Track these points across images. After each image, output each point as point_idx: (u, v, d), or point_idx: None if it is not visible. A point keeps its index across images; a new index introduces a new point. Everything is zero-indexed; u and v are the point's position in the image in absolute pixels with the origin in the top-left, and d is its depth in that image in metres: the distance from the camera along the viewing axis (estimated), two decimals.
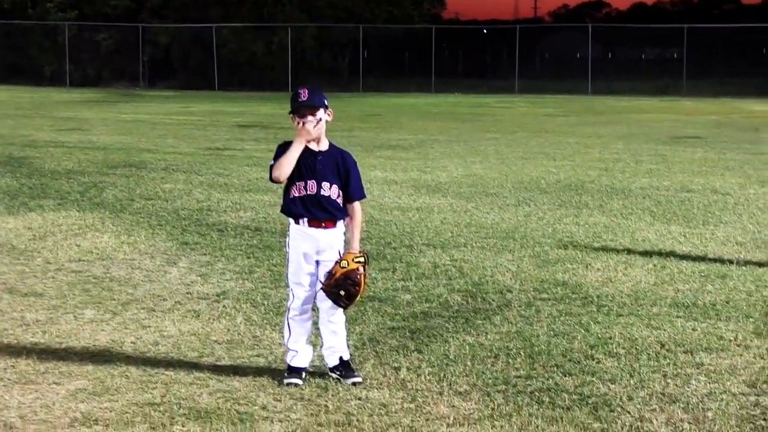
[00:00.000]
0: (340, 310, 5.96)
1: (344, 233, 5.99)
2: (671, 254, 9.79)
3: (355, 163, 6.04)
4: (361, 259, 5.89)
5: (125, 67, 56.12)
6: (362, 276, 5.87)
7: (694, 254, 9.81)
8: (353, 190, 5.96)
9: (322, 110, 5.86)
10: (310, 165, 5.87)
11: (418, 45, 58.09)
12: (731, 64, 54.54)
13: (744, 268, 9.18)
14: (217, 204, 12.75)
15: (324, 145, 5.95)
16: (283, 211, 6.03)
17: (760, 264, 9.37)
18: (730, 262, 9.43)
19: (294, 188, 5.89)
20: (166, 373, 6.02)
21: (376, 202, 12.93)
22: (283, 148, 5.90)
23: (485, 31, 68.44)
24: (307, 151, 5.89)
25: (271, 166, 5.89)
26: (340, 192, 5.92)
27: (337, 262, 5.88)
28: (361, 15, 57.49)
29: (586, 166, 17.86)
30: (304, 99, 5.83)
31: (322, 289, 5.87)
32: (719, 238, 10.71)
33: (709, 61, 53.22)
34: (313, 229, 5.87)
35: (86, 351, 6.47)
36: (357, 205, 6.00)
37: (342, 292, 5.83)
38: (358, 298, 5.92)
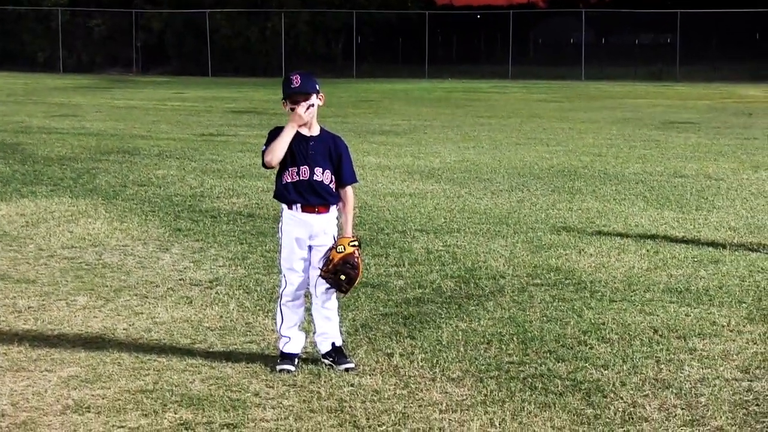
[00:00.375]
0: (334, 295, 5.96)
1: (337, 218, 5.99)
2: (664, 239, 9.80)
3: (347, 147, 6.03)
4: (356, 243, 5.90)
5: (119, 53, 55.97)
6: (359, 259, 5.88)
7: (687, 239, 9.82)
8: (345, 175, 5.95)
9: (314, 96, 5.85)
10: (302, 150, 5.86)
11: (411, 31, 57.98)
12: (724, 49, 54.47)
13: (737, 253, 9.19)
14: (210, 190, 12.72)
15: (316, 130, 5.94)
16: (275, 196, 6.01)
17: (752, 249, 9.38)
18: (723, 247, 9.44)
19: (286, 174, 5.88)
20: (159, 359, 6.00)
21: (369, 187, 12.91)
22: (275, 132, 5.89)
23: (479, 16, 68.29)
24: (298, 136, 5.88)
25: (264, 152, 5.87)
26: (333, 177, 5.91)
27: (332, 247, 5.87)
28: (354, 1, 57.37)
29: (579, 151, 17.85)
30: (297, 85, 5.81)
31: (321, 276, 5.86)
32: (712, 224, 10.72)
33: (703, 46, 53.18)
34: (306, 215, 5.86)
35: (78, 338, 6.46)
36: (349, 190, 5.99)
37: (342, 277, 5.83)
38: (357, 281, 5.92)
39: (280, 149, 5.81)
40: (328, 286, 5.90)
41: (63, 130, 20.93)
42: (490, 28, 63.67)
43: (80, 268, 8.39)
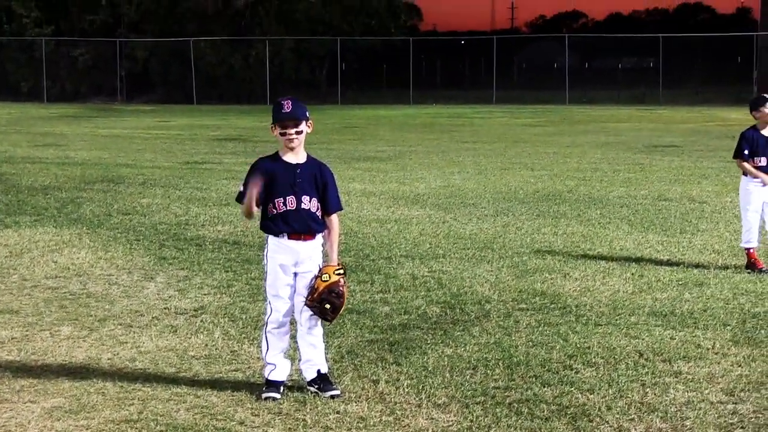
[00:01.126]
0: (319, 322, 5.95)
1: (322, 245, 5.99)
2: (649, 263, 9.84)
3: (332, 175, 6.03)
4: (341, 271, 5.89)
5: (103, 82, 55.97)
6: (344, 287, 5.88)
7: (671, 263, 9.86)
8: (330, 203, 5.96)
9: (303, 123, 5.88)
10: (289, 179, 5.86)
11: (395, 57, 58.23)
12: (707, 73, 54.95)
13: (721, 275, 9.24)
14: (195, 218, 12.71)
15: (302, 158, 5.94)
16: (262, 228, 6.00)
17: (737, 271, 9.42)
18: (708, 269, 9.49)
19: (272, 207, 5.87)
20: (144, 389, 5.97)
21: (355, 214, 12.92)
22: (256, 167, 5.88)
23: (462, 42, 68.68)
24: (284, 164, 5.89)
25: (241, 193, 5.88)
26: (319, 205, 5.92)
27: (316, 276, 5.87)
28: (338, 27, 57.63)
29: (564, 175, 17.93)
30: (288, 110, 5.83)
31: (306, 305, 5.86)
32: (696, 247, 10.76)
33: (685, 70, 53.60)
34: (292, 242, 5.86)
35: (62, 368, 6.42)
36: (335, 218, 6.00)
37: (327, 306, 5.82)
38: (342, 309, 5.92)
39: (248, 214, 5.91)
40: (312, 314, 5.89)
41: (47, 160, 20.90)
42: (474, 53, 64.06)
43: (64, 298, 8.35)
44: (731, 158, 10.20)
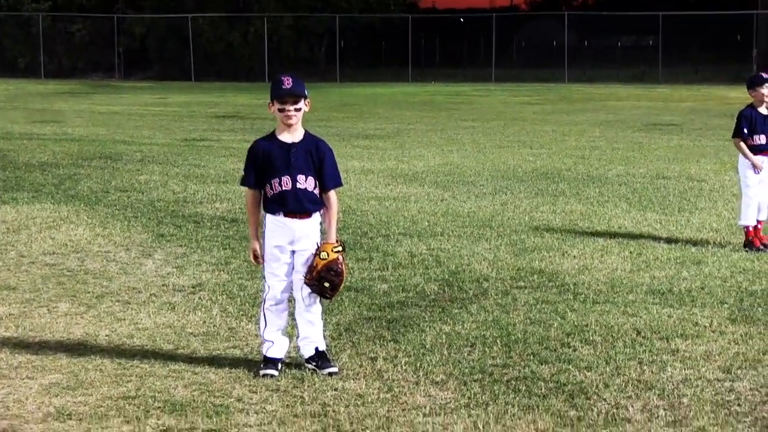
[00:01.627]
0: (318, 300, 5.95)
1: (320, 223, 5.97)
2: (647, 241, 9.84)
3: (331, 150, 6.00)
4: (339, 249, 5.88)
5: (100, 59, 55.70)
6: (343, 264, 5.87)
7: (669, 241, 9.86)
8: (327, 179, 5.93)
9: (302, 101, 5.86)
10: (283, 159, 5.84)
11: (394, 34, 57.95)
12: (706, 51, 54.69)
13: (719, 254, 9.25)
14: (193, 195, 12.69)
15: (299, 136, 5.92)
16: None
17: (734, 250, 9.43)
18: (706, 248, 9.50)
19: (269, 188, 5.87)
20: (141, 366, 5.99)
21: (353, 191, 12.91)
22: (253, 151, 5.91)
23: (462, 20, 68.42)
24: (279, 143, 5.88)
25: (244, 177, 5.98)
26: (316, 182, 5.89)
27: (315, 254, 5.86)
28: (337, 4, 57.29)
29: (562, 154, 17.92)
30: (288, 86, 5.81)
31: (306, 283, 5.86)
32: (695, 225, 10.77)
33: (685, 49, 53.34)
34: (288, 219, 5.86)
35: (60, 345, 6.43)
36: (332, 194, 5.97)
37: (326, 284, 5.83)
38: (341, 287, 5.92)
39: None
40: (311, 291, 5.89)
41: (44, 136, 20.85)
42: (473, 31, 63.77)
43: (62, 275, 8.35)
44: (730, 137, 10.18)
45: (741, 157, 9.77)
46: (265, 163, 5.86)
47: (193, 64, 53.38)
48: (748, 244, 9.51)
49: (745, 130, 9.64)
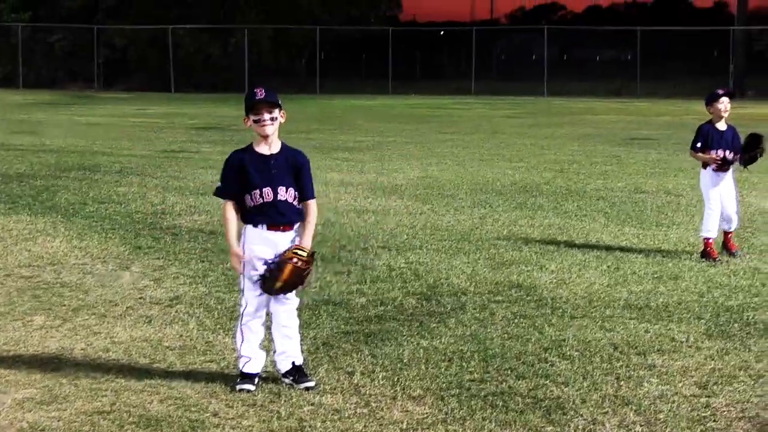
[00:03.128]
0: (294, 314, 5.95)
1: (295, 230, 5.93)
2: (625, 255, 9.90)
3: (308, 161, 5.99)
4: (302, 253, 5.76)
5: (80, 69, 55.55)
6: (292, 266, 5.71)
7: (647, 255, 9.92)
8: (305, 190, 5.92)
9: (277, 110, 5.85)
10: (264, 171, 5.84)
11: (375, 47, 58.18)
12: (684, 66, 55.20)
13: (696, 269, 9.31)
14: (171, 207, 12.67)
15: (276, 147, 5.92)
16: (241, 219, 5.98)
17: (711, 265, 9.50)
18: (683, 263, 9.57)
19: (249, 199, 5.84)
20: (117, 380, 5.96)
21: (332, 204, 12.90)
22: (230, 162, 5.89)
23: (442, 32, 68.70)
24: (258, 155, 5.87)
25: (218, 188, 5.92)
26: (296, 194, 5.89)
27: (284, 251, 5.79)
28: (318, 17, 57.46)
29: (541, 167, 18.01)
30: (262, 96, 5.80)
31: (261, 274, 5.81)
32: (672, 240, 10.83)
33: (663, 63, 53.82)
34: (271, 233, 5.84)
35: (35, 358, 6.39)
36: (311, 204, 5.96)
37: (267, 275, 5.74)
38: (277, 284, 5.76)
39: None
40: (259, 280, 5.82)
41: (22, 147, 20.76)
42: (453, 44, 64.10)
43: (38, 288, 8.31)
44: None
45: (702, 172, 10.00)
46: (244, 175, 5.84)
47: (173, 76, 53.32)
48: (705, 255, 9.71)
49: (699, 145, 9.91)
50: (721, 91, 9.97)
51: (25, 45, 54.50)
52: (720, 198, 9.86)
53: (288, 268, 5.74)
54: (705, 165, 9.92)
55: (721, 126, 9.88)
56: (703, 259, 9.63)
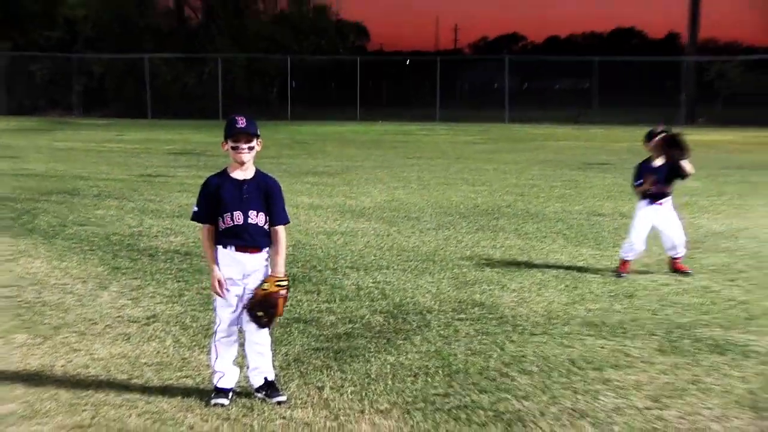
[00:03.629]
0: (266, 331, 6.09)
1: (266, 259, 6.08)
2: (582, 275, 10.12)
3: (280, 188, 6.13)
4: (284, 283, 5.98)
5: (60, 97, 55.38)
6: (282, 299, 5.96)
7: (603, 275, 10.16)
8: (275, 215, 6.06)
9: (255, 140, 6.03)
10: (236, 195, 5.99)
11: (343, 75, 58.39)
12: (639, 95, 55.76)
13: (649, 288, 9.57)
14: (148, 229, 12.79)
15: (250, 173, 6.08)
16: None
17: (664, 284, 9.76)
18: (637, 282, 9.79)
19: (221, 222, 6.00)
20: (96, 395, 6.08)
21: (303, 226, 13.07)
22: (207, 187, 6.04)
23: (408, 62, 69.06)
24: (232, 181, 6.03)
25: (195, 213, 6.07)
26: (267, 218, 6.05)
27: (259, 285, 5.99)
28: (288, 46, 57.77)
29: (503, 191, 18.16)
30: (242, 126, 5.96)
31: (243, 307, 6.00)
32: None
33: (619, 92, 54.42)
34: (239, 254, 5.98)
35: (16, 375, 6.50)
36: (280, 230, 6.08)
37: (260, 313, 5.95)
38: (276, 319, 6.04)
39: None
40: (249, 318, 6.03)
41: (3, 171, 20.73)
42: (418, 72, 64.45)
43: (19, 307, 8.43)
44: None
45: (638, 204, 10.36)
46: (217, 198, 5.98)
47: (149, 103, 53.28)
48: (617, 271, 10.18)
49: (640, 181, 10.25)
50: (659, 129, 10.30)
51: (5, 73, 54.39)
52: (646, 236, 10.23)
53: (281, 302, 5.96)
54: (644, 196, 10.24)
55: (658, 162, 10.21)
56: (615, 274, 10.09)
